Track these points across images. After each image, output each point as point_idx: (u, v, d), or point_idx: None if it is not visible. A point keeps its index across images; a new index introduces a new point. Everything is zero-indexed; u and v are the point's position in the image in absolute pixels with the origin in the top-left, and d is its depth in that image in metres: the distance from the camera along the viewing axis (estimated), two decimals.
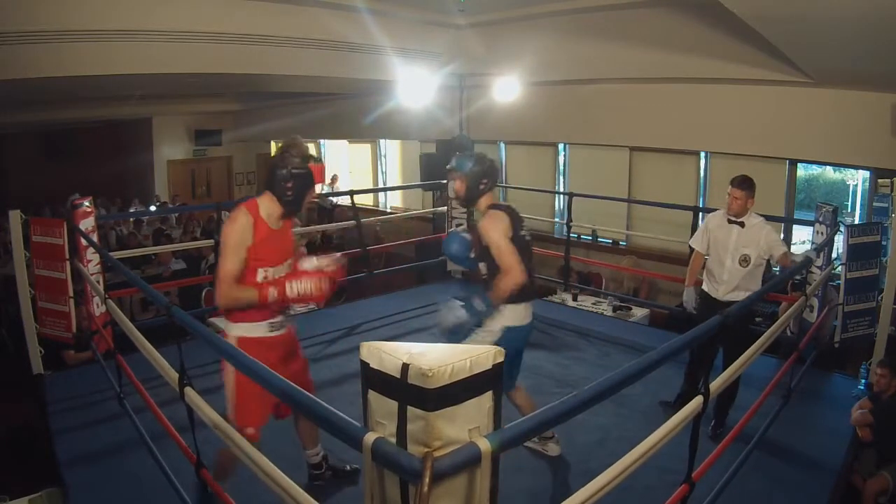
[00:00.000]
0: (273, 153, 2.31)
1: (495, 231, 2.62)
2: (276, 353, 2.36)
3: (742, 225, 3.31)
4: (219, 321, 2.72)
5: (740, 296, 3.26)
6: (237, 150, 13.80)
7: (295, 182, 2.25)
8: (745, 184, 3.29)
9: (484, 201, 2.77)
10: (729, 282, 3.32)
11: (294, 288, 2.26)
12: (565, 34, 6.39)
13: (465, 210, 6.14)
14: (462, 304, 2.61)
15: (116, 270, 3.17)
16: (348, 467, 2.87)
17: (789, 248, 6.27)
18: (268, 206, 2.29)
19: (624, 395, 3.60)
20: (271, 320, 2.37)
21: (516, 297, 2.63)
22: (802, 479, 2.91)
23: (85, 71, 5.14)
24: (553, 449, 3.06)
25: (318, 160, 2.35)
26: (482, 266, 2.67)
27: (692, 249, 3.60)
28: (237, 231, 2.20)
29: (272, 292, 2.24)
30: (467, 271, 6.39)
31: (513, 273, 2.56)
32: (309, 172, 2.28)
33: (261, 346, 2.29)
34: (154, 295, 2.46)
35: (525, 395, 2.95)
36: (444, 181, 6.20)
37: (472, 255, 2.78)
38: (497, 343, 2.51)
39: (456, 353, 1.36)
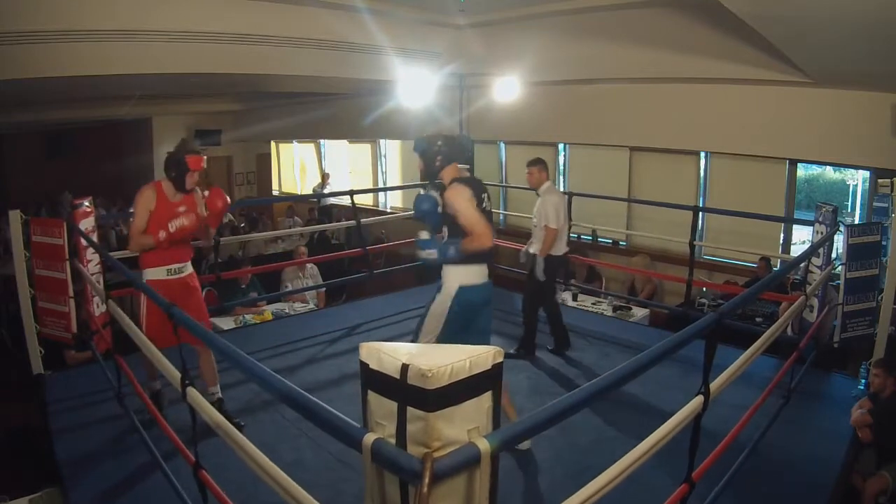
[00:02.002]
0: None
1: (460, 200, 2.83)
2: (173, 292, 3.05)
3: (538, 195, 4.27)
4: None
5: (538, 250, 4.22)
6: (237, 150, 13.80)
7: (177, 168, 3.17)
8: (531, 162, 4.31)
9: (447, 175, 2.97)
10: (536, 239, 4.26)
11: (173, 225, 3.13)
12: (565, 34, 6.38)
13: None
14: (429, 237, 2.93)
15: (116, 270, 3.18)
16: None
17: (789, 248, 6.35)
18: (166, 185, 3.22)
19: (622, 394, 3.61)
20: (169, 266, 3.21)
21: (471, 258, 2.86)
22: (802, 479, 2.91)
23: (85, 71, 5.13)
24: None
25: (196, 151, 3.22)
26: (444, 230, 2.91)
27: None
28: (144, 199, 3.16)
29: (161, 234, 3.10)
30: None
31: (482, 237, 2.80)
32: (183, 161, 3.15)
33: (161, 285, 3.09)
34: (153, 295, 2.46)
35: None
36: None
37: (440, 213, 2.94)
38: (454, 300, 2.91)
39: (455, 354, 1.36)
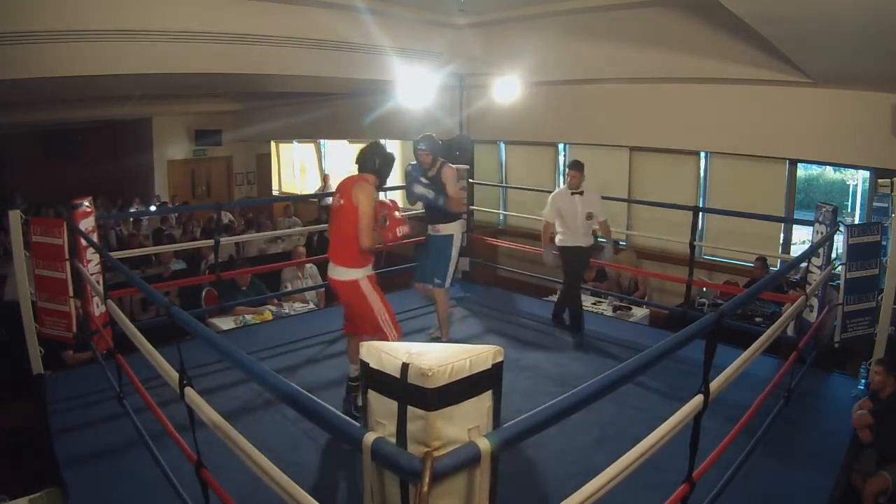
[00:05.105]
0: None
1: (452, 177, 4.30)
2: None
3: (581, 193, 4.72)
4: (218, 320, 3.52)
5: (589, 242, 4.81)
6: (237, 150, 13.80)
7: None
8: (577, 165, 4.75)
9: (438, 161, 4.32)
10: (584, 234, 4.74)
11: (403, 229, 3.42)
12: (565, 34, 6.38)
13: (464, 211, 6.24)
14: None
15: (116, 270, 3.17)
16: None
17: (789, 248, 6.36)
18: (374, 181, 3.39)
19: (622, 394, 3.61)
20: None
21: (456, 217, 4.46)
22: (802, 479, 2.91)
23: (85, 71, 5.13)
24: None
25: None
26: (440, 197, 4.29)
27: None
28: (371, 194, 3.28)
29: (399, 230, 3.38)
30: (467, 271, 6.48)
31: (459, 203, 4.39)
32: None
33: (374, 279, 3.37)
34: (153, 295, 2.46)
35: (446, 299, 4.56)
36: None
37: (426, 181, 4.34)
38: (458, 243, 4.46)
39: (455, 353, 1.36)
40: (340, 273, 3.30)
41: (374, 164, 3.36)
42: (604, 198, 6.68)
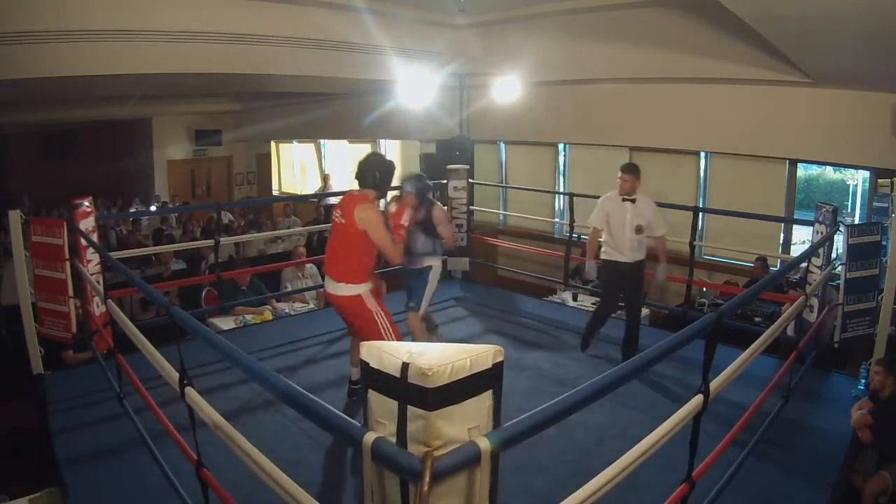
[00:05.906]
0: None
1: (444, 216, 4.25)
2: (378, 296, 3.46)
3: (633, 202, 4.19)
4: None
5: (638, 257, 4.23)
6: (237, 150, 13.80)
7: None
8: (632, 169, 4.23)
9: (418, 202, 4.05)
10: (631, 248, 4.19)
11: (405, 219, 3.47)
12: (565, 34, 6.38)
13: (464, 211, 6.24)
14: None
15: (116, 270, 3.17)
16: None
17: (789, 248, 6.36)
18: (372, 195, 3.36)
19: (622, 394, 3.61)
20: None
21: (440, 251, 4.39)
22: (802, 479, 2.91)
23: (85, 71, 5.13)
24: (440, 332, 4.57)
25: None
26: (435, 242, 4.23)
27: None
28: (379, 212, 3.36)
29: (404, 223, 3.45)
30: (467, 271, 6.48)
31: (449, 240, 4.33)
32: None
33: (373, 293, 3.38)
34: (153, 295, 2.47)
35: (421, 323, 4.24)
36: (444, 181, 6.23)
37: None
38: (438, 272, 4.29)
39: (455, 353, 1.36)
40: (341, 289, 3.29)
41: (374, 178, 3.32)
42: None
